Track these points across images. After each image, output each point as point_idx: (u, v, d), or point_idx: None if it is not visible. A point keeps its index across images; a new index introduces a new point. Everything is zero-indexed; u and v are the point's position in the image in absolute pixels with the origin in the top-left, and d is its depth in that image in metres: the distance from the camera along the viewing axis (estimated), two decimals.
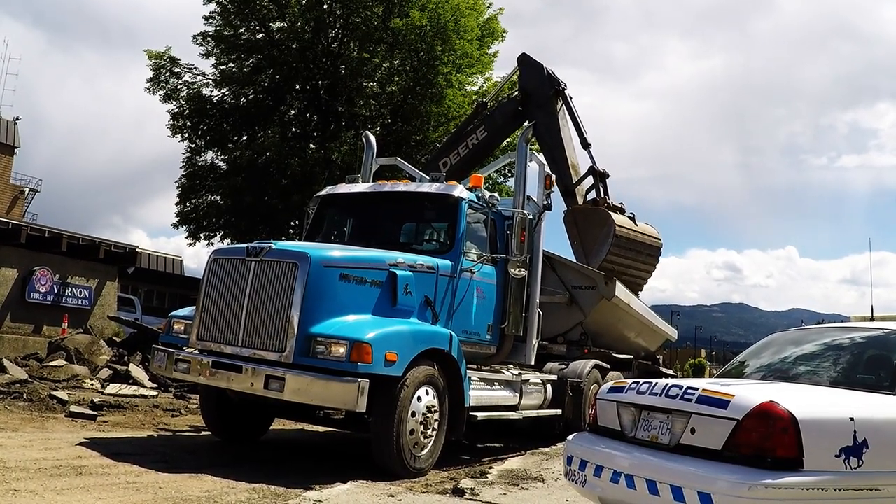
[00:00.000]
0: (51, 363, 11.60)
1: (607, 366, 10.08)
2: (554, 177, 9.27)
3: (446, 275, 7.51)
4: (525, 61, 12.86)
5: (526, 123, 11.81)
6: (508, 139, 17.08)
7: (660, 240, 12.35)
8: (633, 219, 11.79)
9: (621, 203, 12.00)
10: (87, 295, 19.02)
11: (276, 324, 6.40)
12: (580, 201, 11.89)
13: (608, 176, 12.05)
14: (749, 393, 3.73)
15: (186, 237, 26.21)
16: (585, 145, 12.13)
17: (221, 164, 25.92)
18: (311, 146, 25.33)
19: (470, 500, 5.66)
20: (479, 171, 12.31)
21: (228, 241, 25.23)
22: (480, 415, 7.43)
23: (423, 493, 5.88)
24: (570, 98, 12.25)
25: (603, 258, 10.82)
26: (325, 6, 24.88)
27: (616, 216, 11.39)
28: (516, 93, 13.39)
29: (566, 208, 11.93)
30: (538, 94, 12.34)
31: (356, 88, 25.09)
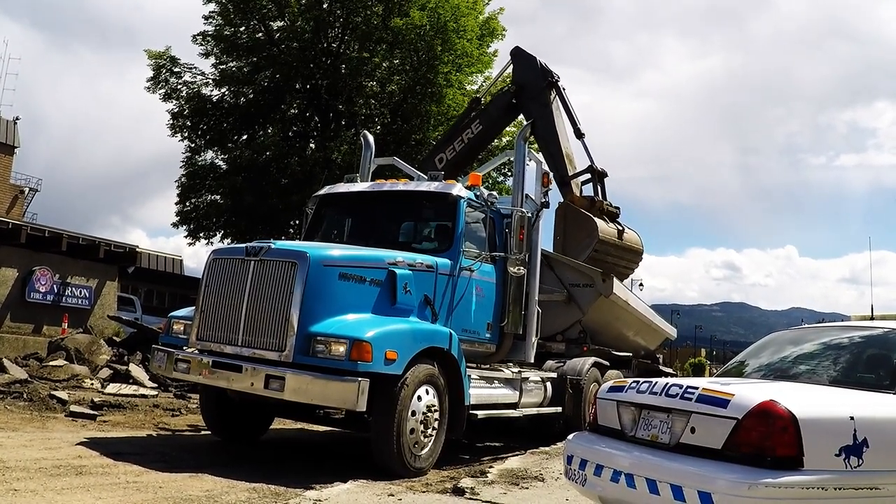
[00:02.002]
0: (51, 363, 11.61)
1: (606, 363, 10.08)
2: (552, 174, 9.27)
3: (445, 273, 7.51)
4: (518, 54, 12.91)
5: (524, 121, 11.81)
6: (507, 138, 17.01)
7: (641, 250, 12.29)
8: (620, 233, 11.70)
9: (617, 207, 11.96)
10: (87, 295, 19.02)
11: (276, 323, 6.39)
12: (577, 192, 11.86)
13: (606, 175, 12.04)
14: (749, 392, 3.73)
15: (186, 237, 26.23)
16: (579, 135, 12.15)
17: (221, 163, 25.91)
18: (311, 146, 25.32)
19: (470, 499, 5.66)
20: (477, 169, 12.32)
21: (228, 240, 25.22)
22: (480, 413, 7.43)
23: (423, 492, 5.88)
24: (564, 89, 12.26)
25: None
26: (324, 5, 24.86)
27: (602, 226, 11.29)
28: (510, 86, 13.38)
29: (561, 200, 11.92)
30: (532, 86, 12.36)
31: (356, 88, 25.07)
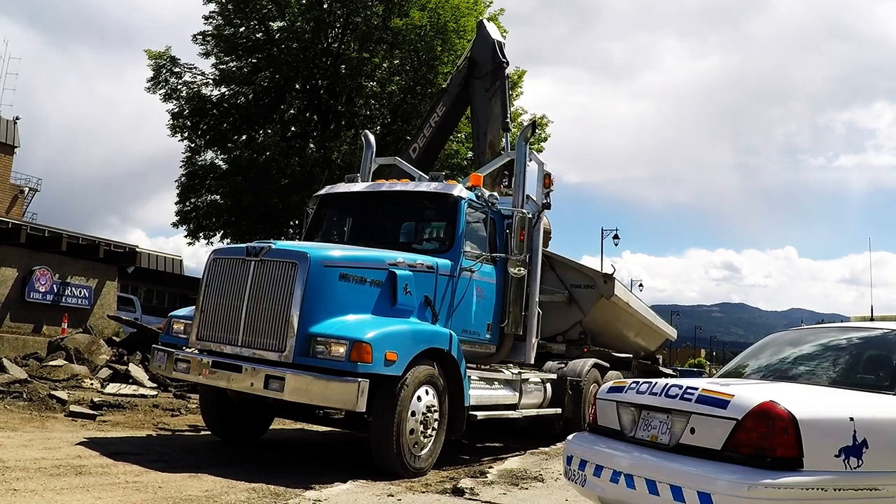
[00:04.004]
0: (50, 363, 11.61)
1: (607, 365, 10.09)
2: (553, 175, 9.24)
3: (446, 274, 7.51)
4: (479, 29, 12.79)
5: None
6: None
7: (548, 231, 12.13)
8: None
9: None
10: (87, 294, 19.04)
11: (276, 323, 6.39)
12: (490, 183, 11.76)
13: None
14: (749, 393, 3.73)
15: (186, 236, 26.24)
16: (506, 128, 12.02)
17: (221, 163, 25.92)
18: (311, 146, 25.32)
19: (470, 499, 5.67)
20: (478, 170, 12.27)
21: (228, 240, 25.22)
22: (480, 414, 7.43)
23: (423, 492, 5.88)
24: (507, 78, 12.12)
25: None
26: (324, 6, 24.86)
27: None
28: (465, 59, 13.21)
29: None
30: (481, 65, 12.24)
31: (356, 88, 25.07)
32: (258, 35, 25.59)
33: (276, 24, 25.47)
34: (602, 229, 39.87)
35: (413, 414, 6.46)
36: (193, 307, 7.15)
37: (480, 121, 12.04)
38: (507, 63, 12.10)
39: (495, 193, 8.58)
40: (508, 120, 11.84)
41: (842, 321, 6.83)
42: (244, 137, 26.07)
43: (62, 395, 9.35)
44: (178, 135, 25.72)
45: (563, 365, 9.46)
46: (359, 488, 5.81)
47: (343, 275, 6.64)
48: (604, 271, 10.54)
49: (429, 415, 6.63)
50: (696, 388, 3.88)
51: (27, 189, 33.53)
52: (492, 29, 12.48)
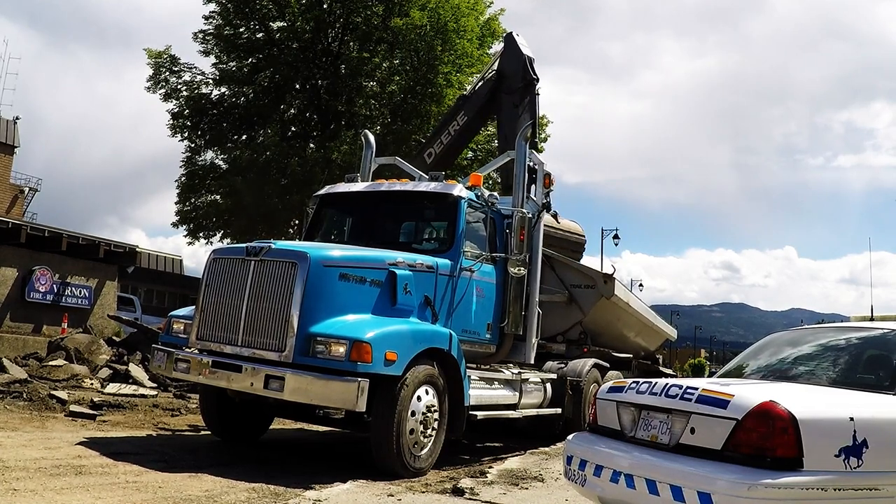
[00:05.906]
0: (50, 363, 11.61)
1: (607, 365, 10.09)
2: (553, 175, 9.23)
3: (446, 274, 7.51)
4: (509, 42, 12.61)
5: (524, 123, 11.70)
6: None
7: (583, 236, 11.93)
8: (555, 216, 11.39)
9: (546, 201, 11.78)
10: (87, 294, 19.03)
11: (276, 323, 6.39)
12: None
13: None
14: (749, 393, 3.73)
15: (186, 236, 26.27)
16: (533, 146, 11.88)
17: (221, 163, 25.95)
18: (311, 146, 25.34)
19: (470, 499, 5.67)
20: (478, 170, 12.26)
21: (228, 240, 25.25)
22: (480, 414, 7.43)
23: (423, 492, 5.88)
24: (538, 95, 12.01)
25: None
26: (324, 6, 24.89)
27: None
28: (493, 72, 13.06)
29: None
30: (510, 79, 12.03)
31: (356, 88, 25.09)
32: (258, 35, 25.62)
33: (276, 24, 25.50)
34: (602, 229, 39.87)
35: (413, 414, 6.46)
36: (193, 307, 7.15)
37: (508, 137, 11.88)
38: (538, 79, 11.96)
39: (495, 193, 8.58)
40: (537, 140, 11.69)
41: (842, 321, 6.82)
42: (244, 137, 26.10)
43: (62, 395, 9.35)
44: (178, 135, 25.78)
45: (563, 365, 9.46)
46: (359, 488, 5.81)
47: (343, 274, 6.64)
48: (604, 271, 10.53)
49: (429, 415, 6.63)
50: (696, 388, 3.87)
51: (27, 189, 33.53)
52: (523, 44, 12.17)
